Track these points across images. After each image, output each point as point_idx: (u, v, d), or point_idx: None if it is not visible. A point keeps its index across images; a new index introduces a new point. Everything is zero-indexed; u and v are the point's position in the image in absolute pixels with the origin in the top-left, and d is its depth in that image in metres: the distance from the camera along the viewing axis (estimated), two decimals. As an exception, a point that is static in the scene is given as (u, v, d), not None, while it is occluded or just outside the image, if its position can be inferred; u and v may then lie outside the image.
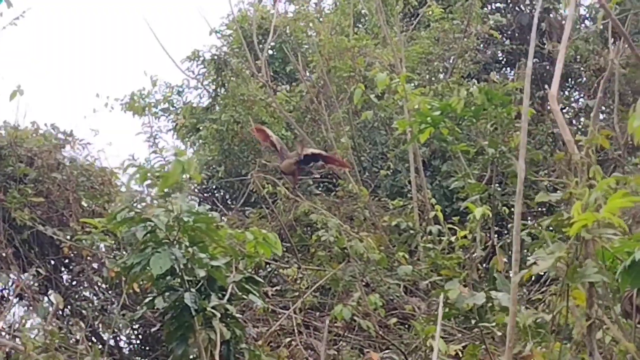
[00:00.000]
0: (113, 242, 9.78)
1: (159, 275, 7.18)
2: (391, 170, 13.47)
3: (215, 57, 15.76)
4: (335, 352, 9.09)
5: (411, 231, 10.57)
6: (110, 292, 9.79)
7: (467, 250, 9.00)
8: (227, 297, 7.66)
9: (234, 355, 7.69)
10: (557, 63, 6.98)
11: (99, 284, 9.81)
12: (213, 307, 7.42)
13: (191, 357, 7.41)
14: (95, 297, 9.88)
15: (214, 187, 15.53)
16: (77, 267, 10.03)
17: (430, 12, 14.90)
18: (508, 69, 15.75)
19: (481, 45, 14.54)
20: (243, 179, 13.71)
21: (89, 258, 9.84)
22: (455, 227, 11.20)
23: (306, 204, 10.38)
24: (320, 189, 11.68)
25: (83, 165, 10.85)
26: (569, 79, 15.84)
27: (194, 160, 7.35)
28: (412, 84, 11.98)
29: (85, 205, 10.45)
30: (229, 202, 14.95)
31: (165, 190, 7.26)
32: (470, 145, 9.19)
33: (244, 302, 8.01)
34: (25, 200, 10.19)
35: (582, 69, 15.51)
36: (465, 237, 9.05)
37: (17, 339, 7.62)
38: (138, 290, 9.61)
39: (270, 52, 16.25)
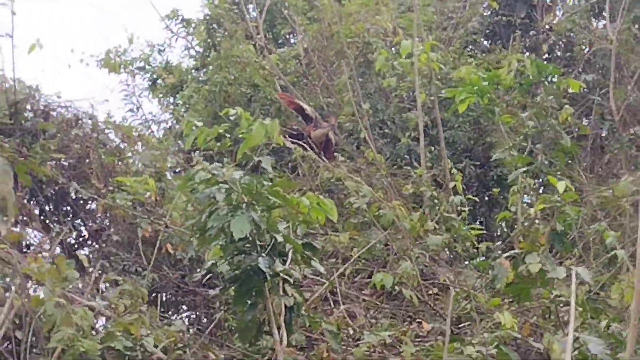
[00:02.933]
0: (145, 201, 9.63)
1: (233, 239, 7.11)
2: (390, 138, 13.55)
3: (207, 18, 15.58)
4: (374, 320, 9.09)
5: (435, 200, 10.56)
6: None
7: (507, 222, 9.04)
8: (288, 262, 7.60)
9: (296, 320, 7.67)
10: None
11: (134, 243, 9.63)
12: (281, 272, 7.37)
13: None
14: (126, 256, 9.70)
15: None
16: (109, 226, 9.84)
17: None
18: (498, 39, 15.79)
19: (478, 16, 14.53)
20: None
21: (123, 219, 9.65)
22: (474, 199, 11.34)
23: (338, 170, 10.32)
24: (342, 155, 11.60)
25: (102, 122, 10.62)
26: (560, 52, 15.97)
27: (277, 124, 7.22)
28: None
29: (106, 162, 10.23)
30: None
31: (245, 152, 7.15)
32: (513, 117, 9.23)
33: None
34: (47, 156, 9.93)
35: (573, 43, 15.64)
36: (507, 209, 9.09)
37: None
38: (171, 251, 9.51)
39: (254, 14, 16.06)
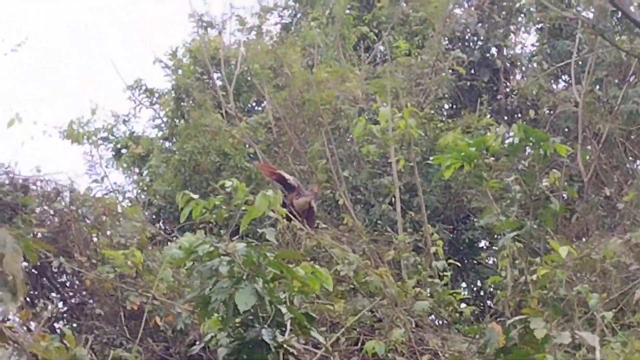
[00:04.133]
0: (134, 274, 9.55)
1: (235, 311, 7.06)
2: (362, 204, 13.63)
3: (175, 88, 15.61)
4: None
5: (419, 266, 10.60)
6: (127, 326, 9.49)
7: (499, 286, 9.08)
8: (287, 333, 7.56)
9: (298, 390, 7.61)
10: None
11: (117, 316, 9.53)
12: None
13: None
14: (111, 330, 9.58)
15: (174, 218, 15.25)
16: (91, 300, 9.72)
17: (395, 46, 15.04)
18: (463, 104, 15.99)
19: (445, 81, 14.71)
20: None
21: (105, 292, 9.54)
22: (456, 263, 11.39)
23: (322, 238, 10.31)
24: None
25: (81, 195, 10.53)
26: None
27: (280, 195, 7.23)
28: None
29: (89, 236, 10.14)
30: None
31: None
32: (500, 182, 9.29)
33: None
34: (30, 229, 9.81)
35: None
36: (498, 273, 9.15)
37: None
38: (160, 324, 9.41)
39: (220, 83, 16.07)
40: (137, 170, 16.92)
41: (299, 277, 7.18)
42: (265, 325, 7.20)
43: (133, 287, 9.47)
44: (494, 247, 14.60)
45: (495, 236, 13.29)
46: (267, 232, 7.27)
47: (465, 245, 14.13)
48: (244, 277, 7.05)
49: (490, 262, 14.11)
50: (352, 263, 9.81)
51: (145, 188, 15.99)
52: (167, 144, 16.47)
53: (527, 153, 9.23)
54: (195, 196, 7.84)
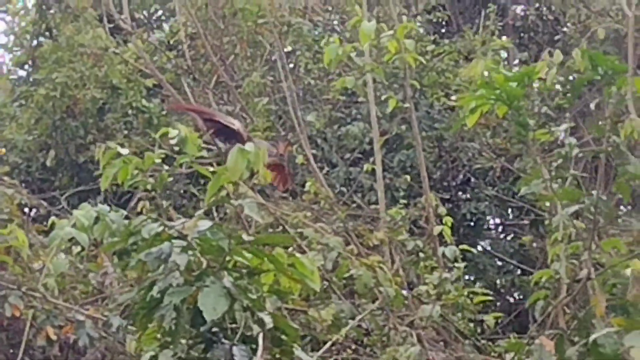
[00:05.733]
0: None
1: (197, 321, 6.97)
2: (320, 162, 13.53)
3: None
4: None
5: (420, 254, 10.57)
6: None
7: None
8: (259, 352, 7.48)
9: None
10: None
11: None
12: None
13: None
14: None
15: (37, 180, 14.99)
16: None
17: None
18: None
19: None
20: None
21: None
22: (470, 249, 11.39)
23: (291, 213, 10.18)
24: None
25: None
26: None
27: (265, 150, 7.09)
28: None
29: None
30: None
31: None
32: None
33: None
34: None
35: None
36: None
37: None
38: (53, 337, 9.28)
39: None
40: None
41: (292, 272, 7.08)
42: (236, 341, 7.12)
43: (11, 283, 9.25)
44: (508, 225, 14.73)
45: (529, 210, 13.34)
46: (246, 205, 7.12)
47: (466, 222, 14.14)
48: (208, 270, 6.94)
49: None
50: (333, 249, 9.71)
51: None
52: (21, 72, 16.16)
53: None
54: (125, 151, 7.66)
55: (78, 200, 13.32)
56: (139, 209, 9.57)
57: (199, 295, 6.82)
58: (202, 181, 11.19)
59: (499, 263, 15.27)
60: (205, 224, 6.99)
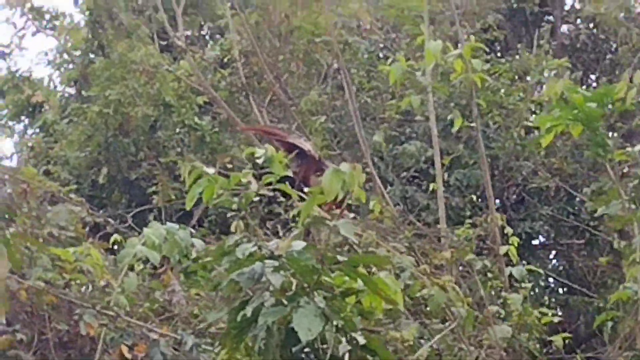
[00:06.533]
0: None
1: (287, 342, 6.91)
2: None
3: (88, 7, 15.29)
4: None
5: (488, 274, 10.51)
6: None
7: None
8: (345, 374, 7.42)
9: None
10: None
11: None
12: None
13: None
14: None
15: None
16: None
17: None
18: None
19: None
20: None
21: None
22: (537, 270, 11.32)
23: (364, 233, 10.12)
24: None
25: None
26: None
27: (359, 169, 7.03)
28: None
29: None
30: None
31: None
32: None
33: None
34: None
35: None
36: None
37: None
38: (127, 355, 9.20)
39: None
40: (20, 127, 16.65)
41: (387, 291, 7.02)
42: (318, 360, 7.06)
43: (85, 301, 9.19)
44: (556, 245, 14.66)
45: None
46: (341, 225, 7.04)
47: (520, 241, 14.05)
48: (302, 291, 6.88)
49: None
50: (406, 269, 9.64)
51: (40, 153, 15.60)
52: (71, 90, 16.17)
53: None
54: (210, 170, 7.60)
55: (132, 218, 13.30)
56: (232, 229, 9.48)
57: (294, 315, 6.75)
58: (280, 201, 11.09)
59: (541, 283, 15.20)
60: (300, 244, 6.95)
